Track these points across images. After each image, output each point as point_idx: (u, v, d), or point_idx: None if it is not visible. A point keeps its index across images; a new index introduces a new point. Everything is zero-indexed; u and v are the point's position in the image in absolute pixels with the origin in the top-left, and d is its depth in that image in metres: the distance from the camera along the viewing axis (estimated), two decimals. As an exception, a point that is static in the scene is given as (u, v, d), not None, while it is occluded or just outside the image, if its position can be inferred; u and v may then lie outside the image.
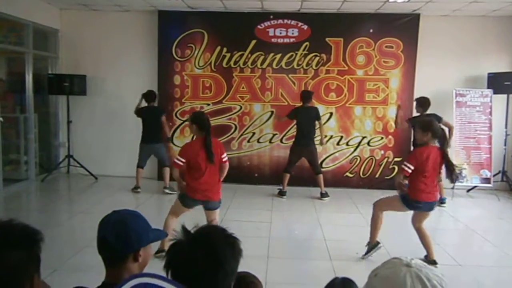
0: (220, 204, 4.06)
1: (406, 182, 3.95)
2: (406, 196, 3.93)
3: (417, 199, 3.88)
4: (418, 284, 0.92)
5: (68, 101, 7.28)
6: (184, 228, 1.23)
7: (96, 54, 7.48)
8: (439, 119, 6.04)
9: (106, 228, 1.45)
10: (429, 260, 3.92)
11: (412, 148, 6.36)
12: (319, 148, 6.85)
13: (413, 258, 1.00)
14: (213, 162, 3.85)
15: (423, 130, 3.90)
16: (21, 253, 1.15)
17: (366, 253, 4.12)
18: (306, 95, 6.45)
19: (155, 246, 3.51)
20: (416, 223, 4.03)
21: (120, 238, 1.42)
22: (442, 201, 6.20)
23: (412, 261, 0.98)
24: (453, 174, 3.91)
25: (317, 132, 6.68)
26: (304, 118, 6.34)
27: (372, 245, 4.09)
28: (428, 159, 3.82)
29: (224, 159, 3.97)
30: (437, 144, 3.90)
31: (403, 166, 3.87)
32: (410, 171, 3.82)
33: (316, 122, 6.47)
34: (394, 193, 4.19)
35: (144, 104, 6.50)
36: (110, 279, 1.45)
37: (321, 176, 6.43)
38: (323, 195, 6.42)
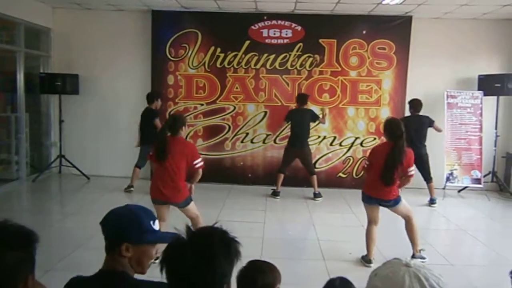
0: (186, 203, 3.89)
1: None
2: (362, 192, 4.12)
3: (364, 190, 4.07)
4: (416, 283, 0.94)
5: (60, 101, 7.22)
6: (188, 228, 1.23)
7: (89, 54, 7.42)
8: (431, 121, 6.24)
9: (104, 217, 1.52)
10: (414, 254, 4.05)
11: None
12: (313, 149, 6.89)
13: (413, 258, 1.02)
14: (160, 160, 3.79)
15: (383, 130, 4.14)
16: (16, 254, 1.15)
17: (363, 257, 4.12)
18: (301, 98, 6.49)
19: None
20: (400, 216, 4.12)
21: (107, 228, 1.49)
22: (432, 202, 6.28)
23: (411, 262, 1.00)
24: (384, 177, 3.81)
25: (311, 132, 6.71)
26: (298, 120, 6.37)
27: (366, 259, 4.07)
28: (377, 156, 4.00)
29: (196, 165, 3.86)
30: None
31: (363, 162, 4.26)
32: (366, 166, 4.12)
33: (312, 123, 6.51)
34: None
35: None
36: (105, 266, 1.50)
37: (315, 177, 6.46)
38: (316, 196, 6.45)
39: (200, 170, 3.92)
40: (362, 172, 4.13)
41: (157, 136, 3.86)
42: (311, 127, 6.60)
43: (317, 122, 6.59)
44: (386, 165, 3.81)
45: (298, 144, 6.39)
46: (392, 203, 3.95)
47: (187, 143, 4.08)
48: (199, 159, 3.92)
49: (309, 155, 6.50)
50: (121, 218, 1.50)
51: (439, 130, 6.36)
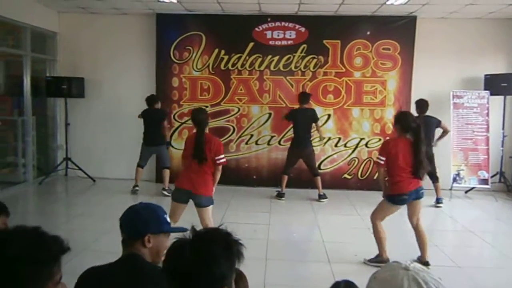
0: (209, 202, 3.97)
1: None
2: (390, 195, 3.95)
3: (399, 192, 3.89)
4: (414, 287, 0.93)
5: (66, 104, 7.28)
6: (193, 228, 1.23)
7: (94, 57, 7.48)
8: (438, 122, 6.15)
9: (124, 213, 1.70)
10: (422, 261, 3.90)
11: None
12: (317, 150, 6.87)
13: (413, 261, 1.01)
14: (198, 160, 3.85)
15: (394, 123, 4.07)
16: (51, 264, 1.17)
17: (372, 261, 4.01)
18: (302, 97, 6.48)
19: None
20: (413, 218, 4.00)
21: (129, 222, 1.67)
22: (438, 201, 6.23)
23: (410, 265, 0.99)
24: (418, 171, 3.86)
25: (316, 134, 6.68)
26: (300, 120, 6.36)
27: (382, 259, 3.91)
28: (397, 151, 3.85)
29: (218, 161, 3.92)
30: (409, 137, 3.90)
31: (376, 159, 4.03)
32: (382, 162, 3.91)
33: (313, 124, 6.48)
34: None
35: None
36: (124, 253, 1.67)
37: (318, 178, 6.45)
38: (321, 197, 6.43)
39: (221, 167, 3.96)
40: (377, 172, 3.96)
41: (198, 136, 3.89)
42: (312, 128, 6.56)
43: (316, 124, 6.51)
44: (417, 160, 3.80)
45: (301, 144, 6.38)
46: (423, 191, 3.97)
47: (213, 137, 4.10)
48: (223, 155, 3.95)
49: (312, 155, 6.47)
50: (141, 211, 1.70)
51: (446, 131, 6.22)
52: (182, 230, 1.70)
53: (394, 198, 3.94)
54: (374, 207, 4.17)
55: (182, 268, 1.15)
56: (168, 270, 1.18)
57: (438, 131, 6.27)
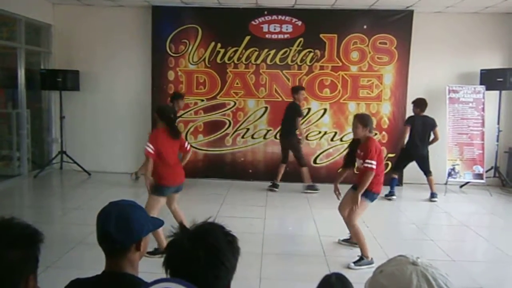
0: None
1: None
2: (370, 193, 3.91)
3: (379, 192, 4.00)
4: (424, 283, 0.92)
5: (61, 97, 7.22)
6: (182, 226, 1.21)
7: (90, 50, 7.41)
8: (434, 124, 6.16)
9: (108, 221, 1.43)
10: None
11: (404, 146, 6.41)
12: (313, 144, 6.87)
13: (419, 256, 0.99)
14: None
15: (364, 125, 3.91)
16: (19, 253, 1.14)
17: (358, 264, 3.81)
18: (292, 90, 6.56)
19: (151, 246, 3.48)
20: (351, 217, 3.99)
21: (123, 230, 1.43)
22: (432, 196, 6.26)
23: (418, 260, 0.97)
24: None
25: (312, 128, 6.70)
26: (286, 112, 6.47)
27: (367, 261, 3.81)
28: (380, 150, 3.96)
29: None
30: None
31: (371, 165, 3.80)
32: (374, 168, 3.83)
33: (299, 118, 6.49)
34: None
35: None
36: (111, 268, 1.47)
37: (305, 169, 6.47)
38: (308, 188, 6.45)
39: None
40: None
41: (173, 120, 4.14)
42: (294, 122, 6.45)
43: (296, 119, 6.45)
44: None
45: (284, 135, 6.53)
46: None
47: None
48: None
49: (295, 146, 6.46)
50: (132, 216, 1.46)
51: (437, 138, 6.19)
52: (161, 224, 1.65)
53: (373, 196, 3.96)
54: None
55: (196, 269, 1.12)
56: (177, 273, 1.14)
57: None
